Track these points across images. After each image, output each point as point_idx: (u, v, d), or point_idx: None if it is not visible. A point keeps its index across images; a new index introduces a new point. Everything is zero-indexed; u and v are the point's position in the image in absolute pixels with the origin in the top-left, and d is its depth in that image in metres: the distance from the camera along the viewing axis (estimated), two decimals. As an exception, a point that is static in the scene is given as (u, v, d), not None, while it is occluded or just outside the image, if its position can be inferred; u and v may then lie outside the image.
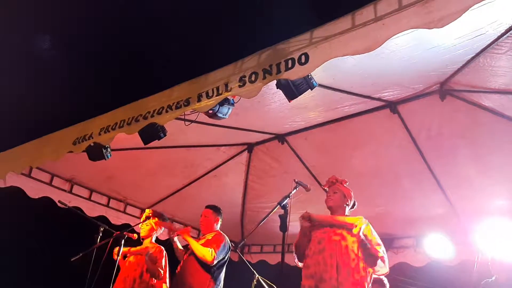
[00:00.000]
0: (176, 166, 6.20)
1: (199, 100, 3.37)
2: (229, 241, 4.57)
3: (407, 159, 5.42)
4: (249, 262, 5.62)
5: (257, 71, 3.10)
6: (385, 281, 5.02)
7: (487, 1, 2.71)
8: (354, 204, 3.79)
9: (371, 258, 3.41)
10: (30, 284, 5.97)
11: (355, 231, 3.40)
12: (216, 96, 3.28)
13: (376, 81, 4.31)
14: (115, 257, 4.28)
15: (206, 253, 4.25)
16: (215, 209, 4.73)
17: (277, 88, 3.25)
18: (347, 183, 3.82)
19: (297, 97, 3.19)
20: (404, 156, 5.40)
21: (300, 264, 3.61)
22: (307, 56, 2.85)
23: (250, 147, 6.22)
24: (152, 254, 4.63)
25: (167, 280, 4.71)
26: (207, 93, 3.34)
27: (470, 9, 2.30)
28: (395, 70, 4.05)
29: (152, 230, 4.87)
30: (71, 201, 5.94)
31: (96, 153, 4.33)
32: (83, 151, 4.34)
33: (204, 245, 4.41)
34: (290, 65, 2.92)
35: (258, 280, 5.07)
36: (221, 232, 4.64)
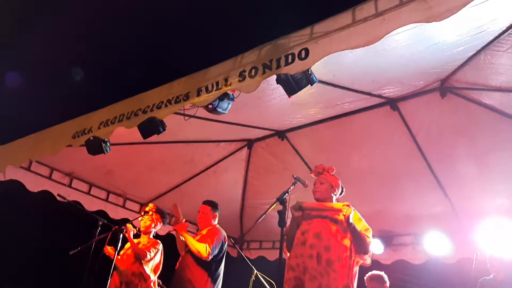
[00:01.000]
0: (175, 161, 6.20)
1: (198, 95, 3.36)
2: (225, 235, 4.55)
3: (406, 157, 5.42)
4: (248, 258, 5.63)
5: (257, 65, 3.09)
6: (385, 278, 5.03)
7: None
8: (342, 191, 3.78)
9: (361, 244, 3.40)
10: (28, 276, 5.98)
11: (344, 214, 3.36)
12: (216, 90, 3.28)
13: (377, 78, 4.31)
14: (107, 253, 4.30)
15: (201, 249, 4.24)
16: (213, 205, 4.71)
17: (277, 84, 3.23)
18: (334, 171, 3.80)
19: (297, 92, 3.17)
20: (404, 153, 5.39)
21: (288, 254, 3.62)
22: (307, 51, 2.84)
23: (250, 143, 6.22)
24: (144, 244, 4.63)
25: (157, 271, 4.67)
26: (206, 88, 3.33)
27: (470, 4, 2.29)
28: (396, 67, 4.04)
29: (151, 225, 4.86)
30: (70, 195, 5.94)
31: (95, 147, 4.32)
32: (82, 145, 4.34)
33: (199, 240, 4.41)
34: (290, 60, 2.91)
35: (256, 276, 5.08)
36: (217, 226, 4.63)
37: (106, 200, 6.43)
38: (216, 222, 4.70)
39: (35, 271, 6.13)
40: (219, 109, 3.53)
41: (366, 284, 5.04)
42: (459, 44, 3.61)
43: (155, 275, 4.63)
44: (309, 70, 3.07)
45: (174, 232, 4.60)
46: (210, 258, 4.28)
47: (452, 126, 4.91)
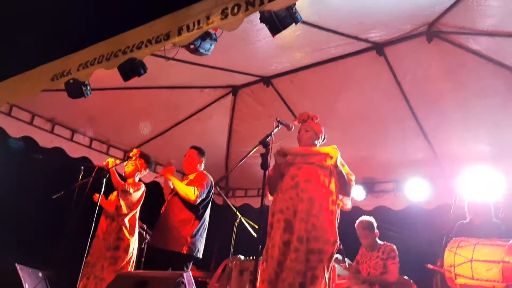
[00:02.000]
0: (160, 108, 6.12)
1: (179, 34, 3.26)
2: (212, 180, 4.59)
3: (391, 103, 5.42)
4: (233, 205, 5.71)
5: (240, 2, 2.98)
6: (374, 223, 5.14)
7: None
8: (324, 138, 3.81)
9: (346, 187, 3.48)
10: (11, 224, 5.99)
11: (331, 161, 3.42)
12: (197, 29, 3.18)
13: (363, 20, 4.22)
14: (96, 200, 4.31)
15: (189, 192, 4.27)
16: (200, 150, 4.73)
17: (260, 22, 3.14)
18: (318, 119, 3.81)
19: (281, 31, 3.09)
20: (389, 100, 5.39)
21: (270, 197, 3.66)
22: (291, -15, 2.75)
23: (234, 89, 6.14)
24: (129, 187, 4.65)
25: (134, 208, 4.71)
26: (187, 26, 3.23)
27: None
28: (383, 9, 3.96)
29: (135, 170, 4.85)
30: (53, 141, 5.91)
31: (75, 90, 4.22)
32: (63, 90, 4.24)
33: (187, 184, 4.43)
34: (274, -5, 2.82)
35: (241, 222, 5.17)
36: (205, 172, 4.65)
37: (90, 146, 6.38)
38: (202, 168, 4.72)
39: (17, 217, 6.13)
40: (201, 50, 3.44)
41: (358, 232, 5.13)
42: (448, -16, 3.53)
43: (131, 211, 4.66)
44: (294, 7, 2.99)
45: (159, 179, 4.60)
46: (198, 202, 4.32)
47: (438, 71, 4.89)
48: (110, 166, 4.53)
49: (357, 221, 5.17)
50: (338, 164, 3.42)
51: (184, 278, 3.03)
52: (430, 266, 4.21)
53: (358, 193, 6.37)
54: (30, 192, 6.27)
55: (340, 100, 5.55)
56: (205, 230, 4.53)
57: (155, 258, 4.52)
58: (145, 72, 3.86)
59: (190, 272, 3.63)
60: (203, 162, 4.72)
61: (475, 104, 4.97)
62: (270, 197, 3.68)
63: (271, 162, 3.38)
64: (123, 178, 4.81)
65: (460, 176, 5.43)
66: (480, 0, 3.70)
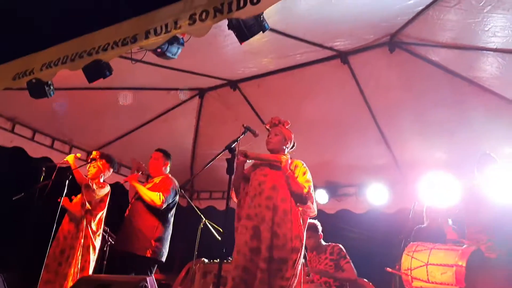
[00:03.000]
0: (124, 108, 6.02)
1: (146, 37, 3.27)
2: (177, 185, 4.58)
3: (354, 110, 5.57)
4: (198, 208, 5.70)
5: (208, 9, 3.03)
6: (319, 226, 5.23)
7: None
8: (293, 145, 3.86)
9: (296, 196, 3.43)
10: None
11: (280, 162, 3.43)
12: (165, 33, 3.19)
13: (329, 29, 4.32)
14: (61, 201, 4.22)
15: (155, 198, 4.26)
16: (165, 153, 4.72)
17: (228, 29, 3.16)
18: (288, 125, 3.86)
19: (248, 39, 3.12)
20: (352, 106, 5.54)
21: (235, 200, 3.68)
22: (259, -5, 2.79)
23: (201, 92, 6.15)
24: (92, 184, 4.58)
25: (98, 208, 4.66)
26: (155, 30, 3.24)
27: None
28: (348, 19, 4.06)
29: (99, 171, 4.78)
30: (13, 141, 5.73)
31: (37, 90, 4.11)
32: (25, 89, 4.14)
33: (152, 188, 4.40)
34: (241, 4, 2.87)
35: (205, 224, 5.18)
36: (170, 176, 4.64)
37: (51, 147, 6.23)
38: (167, 170, 4.71)
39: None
40: (168, 54, 3.43)
41: None
42: (409, -2, 3.67)
43: (96, 212, 4.60)
44: (261, 16, 3.03)
45: (124, 183, 4.56)
46: (163, 207, 4.31)
47: (399, 81, 5.06)
48: (70, 162, 4.44)
49: None
50: (286, 171, 3.42)
51: (147, 282, 3.02)
52: (388, 269, 4.34)
53: (321, 196, 6.51)
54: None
55: (305, 106, 5.64)
56: (169, 234, 4.51)
57: (119, 262, 4.47)
58: (110, 74, 3.81)
59: (153, 276, 3.63)
60: (169, 164, 4.71)
61: (433, 113, 5.17)
62: (235, 199, 3.70)
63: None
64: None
65: (419, 182, 5.62)
66: (440, 14, 3.85)
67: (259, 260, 3.22)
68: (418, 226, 4.91)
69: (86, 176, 4.73)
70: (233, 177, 3.45)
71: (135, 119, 6.38)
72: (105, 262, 5.29)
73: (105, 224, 5.17)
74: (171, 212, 4.54)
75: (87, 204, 4.49)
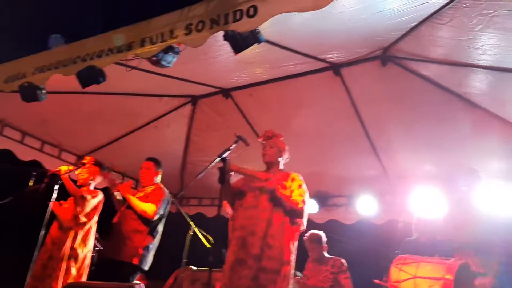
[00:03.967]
0: (116, 114, 5.99)
1: (142, 45, 3.27)
2: (169, 195, 4.58)
3: (346, 122, 5.61)
4: (187, 214, 5.68)
5: (205, 20, 3.04)
6: (323, 237, 5.25)
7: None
8: (288, 157, 3.89)
9: (289, 212, 3.46)
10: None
11: (265, 188, 3.44)
12: (161, 42, 3.20)
13: (322, 42, 4.35)
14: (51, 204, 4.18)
15: (148, 209, 4.26)
16: (156, 162, 4.71)
17: (224, 40, 3.18)
18: (282, 138, 3.89)
19: (243, 50, 3.14)
20: (343, 118, 5.57)
21: (229, 211, 3.69)
22: (255, 8, 2.82)
23: (194, 99, 6.14)
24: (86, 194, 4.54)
25: (92, 216, 4.62)
26: (151, 39, 3.24)
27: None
28: (341, 32, 4.10)
29: (89, 178, 4.75)
30: (2, 143, 5.67)
31: (29, 93, 4.09)
32: (16, 91, 4.11)
33: (143, 198, 4.39)
34: (238, 17, 2.89)
35: (194, 232, 5.16)
36: (161, 185, 4.63)
37: (41, 150, 6.17)
38: (159, 179, 4.70)
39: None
40: (163, 62, 3.43)
41: (306, 245, 5.22)
42: (403, 14, 3.71)
43: (89, 220, 4.56)
44: (257, 29, 3.05)
45: (111, 194, 4.53)
46: (155, 218, 4.31)
47: (390, 94, 5.11)
48: (62, 173, 4.40)
49: (306, 235, 5.28)
50: (277, 192, 3.42)
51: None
52: (376, 281, 4.37)
53: (311, 206, 6.52)
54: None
55: (296, 116, 5.66)
56: (157, 243, 4.51)
57: (104, 267, 4.45)
58: (104, 80, 3.80)
59: (143, 285, 3.61)
60: (160, 173, 4.70)
61: (423, 127, 5.23)
62: (229, 211, 3.70)
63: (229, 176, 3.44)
64: (77, 186, 4.70)
65: (408, 194, 5.69)
66: (432, 31, 3.91)
67: (242, 270, 3.24)
68: (407, 239, 4.95)
69: (77, 181, 4.70)
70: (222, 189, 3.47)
71: (127, 124, 6.34)
72: (93, 268, 5.24)
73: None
74: (161, 222, 4.53)
75: (82, 218, 4.45)
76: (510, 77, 4.15)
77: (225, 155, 3.38)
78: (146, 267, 4.37)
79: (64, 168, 4.48)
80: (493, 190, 4.80)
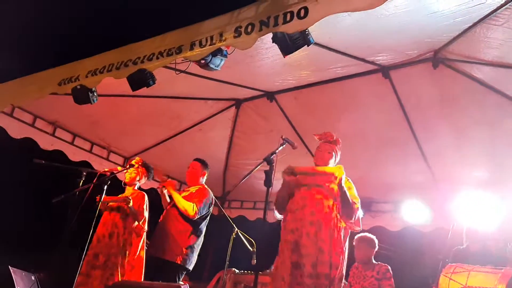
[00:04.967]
0: (162, 116, 6.13)
1: (191, 48, 3.29)
2: (212, 196, 4.61)
3: (393, 125, 5.47)
4: (229, 217, 5.70)
5: (254, 22, 3.03)
6: (375, 241, 5.14)
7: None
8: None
9: (348, 210, 3.44)
10: (9, 225, 5.96)
11: (336, 182, 3.40)
12: (210, 45, 3.21)
13: (372, 44, 4.28)
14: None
15: (189, 208, 4.31)
16: (203, 163, 4.77)
17: (272, 42, 3.16)
18: (340, 144, 3.84)
19: (292, 52, 3.11)
20: (391, 122, 5.44)
21: (279, 216, 3.66)
22: (306, 10, 2.78)
23: (238, 103, 6.18)
24: (133, 199, 4.64)
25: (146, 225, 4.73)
26: (200, 42, 3.26)
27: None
28: (392, 34, 4.01)
29: (136, 178, 4.86)
30: (54, 144, 5.90)
31: (82, 96, 4.22)
32: (68, 94, 4.25)
33: (187, 197, 4.45)
34: (288, 18, 2.86)
35: (237, 234, 5.17)
36: (206, 186, 4.67)
37: (90, 151, 6.37)
38: (204, 180, 4.76)
39: (16, 218, 6.10)
40: (211, 65, 3.45)
41: (354, 244, 5.12)
42: (457, 15, 3.59)
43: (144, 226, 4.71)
44: (307, 30, 3.02)
45: (159, 189, 4.61)
46: (196, 218, 4.34)
47: (441, 97, 4.95)
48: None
49: (357, 235, 5.16)
50: (343, 184, 3.40)
51: (184, 291, 3.03)
52: (425, 290, 4.23)
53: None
54: (28, 194, 6.25)
55: (343, 119, 5.57)
56: (201, 243, 4.55)
57: (149, 266, 4.52)
58: (154, 83, 3.87)
59: (187, 285, 3.64)
60: (206, 174, 4.75)
61: (475, 131, 5.02)
62: (279, 216, 3.68)
63: (274, 179, 3.40)
64: (124, 185, 4.83)
65: (458, 201, 5.46)
66: (487, 32, 3.77)
67: (302, 276, 3.21)
68: (457, 247, 4.77)
69: (124, 180, 4.83)
70: (278, 193, 3.45)
71: (172, 127, 6.46)
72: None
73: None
74: (204, 222, 4.57)
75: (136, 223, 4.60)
76: None
77: (271, 157, 3.35)
78: (191, 266, 4.41)
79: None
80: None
